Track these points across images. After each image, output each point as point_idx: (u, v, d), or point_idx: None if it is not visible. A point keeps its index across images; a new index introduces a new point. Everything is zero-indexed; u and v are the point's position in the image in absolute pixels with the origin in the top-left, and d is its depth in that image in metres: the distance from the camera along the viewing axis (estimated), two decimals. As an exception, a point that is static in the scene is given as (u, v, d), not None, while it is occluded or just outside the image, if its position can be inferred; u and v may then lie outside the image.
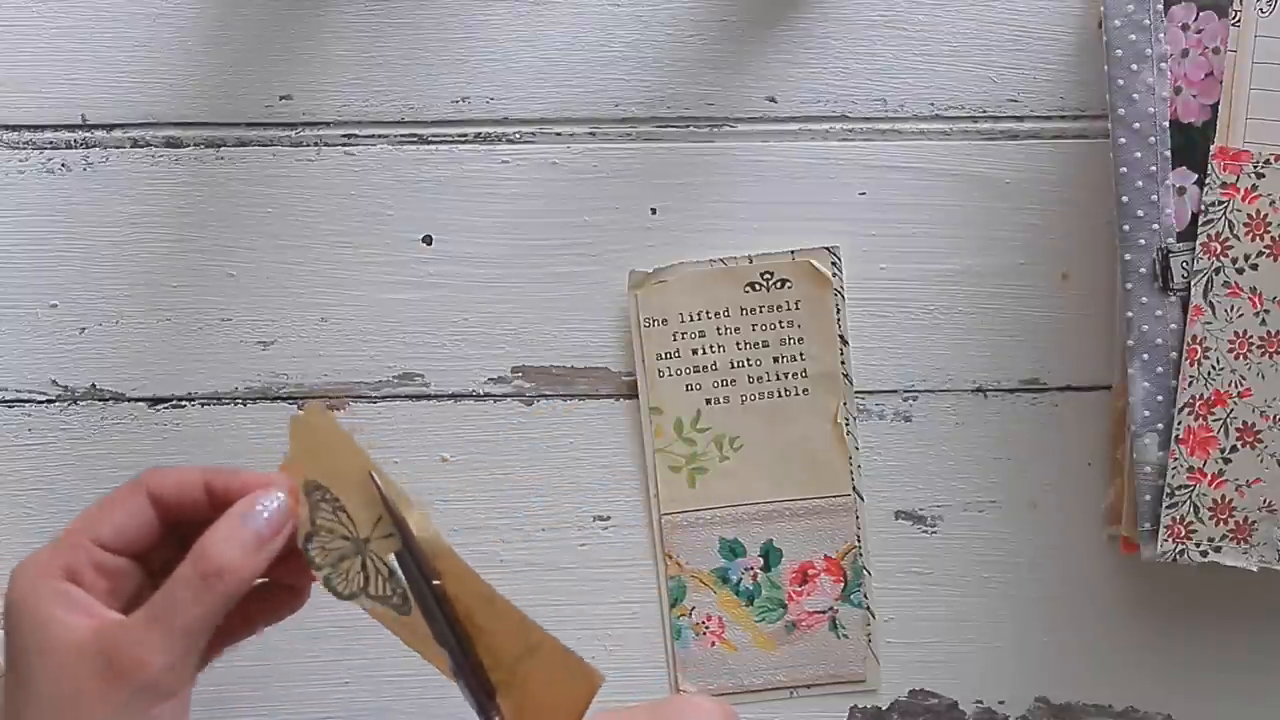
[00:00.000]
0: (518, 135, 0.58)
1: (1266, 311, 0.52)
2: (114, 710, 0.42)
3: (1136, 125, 0.53)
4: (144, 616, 0.43)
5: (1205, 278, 0.53)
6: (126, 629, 0.43)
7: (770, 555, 0.58)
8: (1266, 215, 0.52)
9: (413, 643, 0.47)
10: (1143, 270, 0.53)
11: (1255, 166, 0.52)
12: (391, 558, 0.46)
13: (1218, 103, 0.53)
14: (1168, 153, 0.53)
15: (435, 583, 0.46)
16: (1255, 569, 0.53)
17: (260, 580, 0.46)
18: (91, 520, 0.46)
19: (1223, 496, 0.53)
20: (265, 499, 0.45)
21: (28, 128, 0.58)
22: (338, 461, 0.47)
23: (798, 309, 0.57)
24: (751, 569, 0.58)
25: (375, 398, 0.58)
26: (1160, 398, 0.53)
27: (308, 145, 0.58)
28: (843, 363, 0.57)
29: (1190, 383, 0.53)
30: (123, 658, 0.42)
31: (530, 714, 0.47)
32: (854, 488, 0.58)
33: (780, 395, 0.57)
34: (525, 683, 0.47)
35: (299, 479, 0.47)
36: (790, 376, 0.57)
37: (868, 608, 0.58)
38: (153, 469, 0.47)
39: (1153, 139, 0.53)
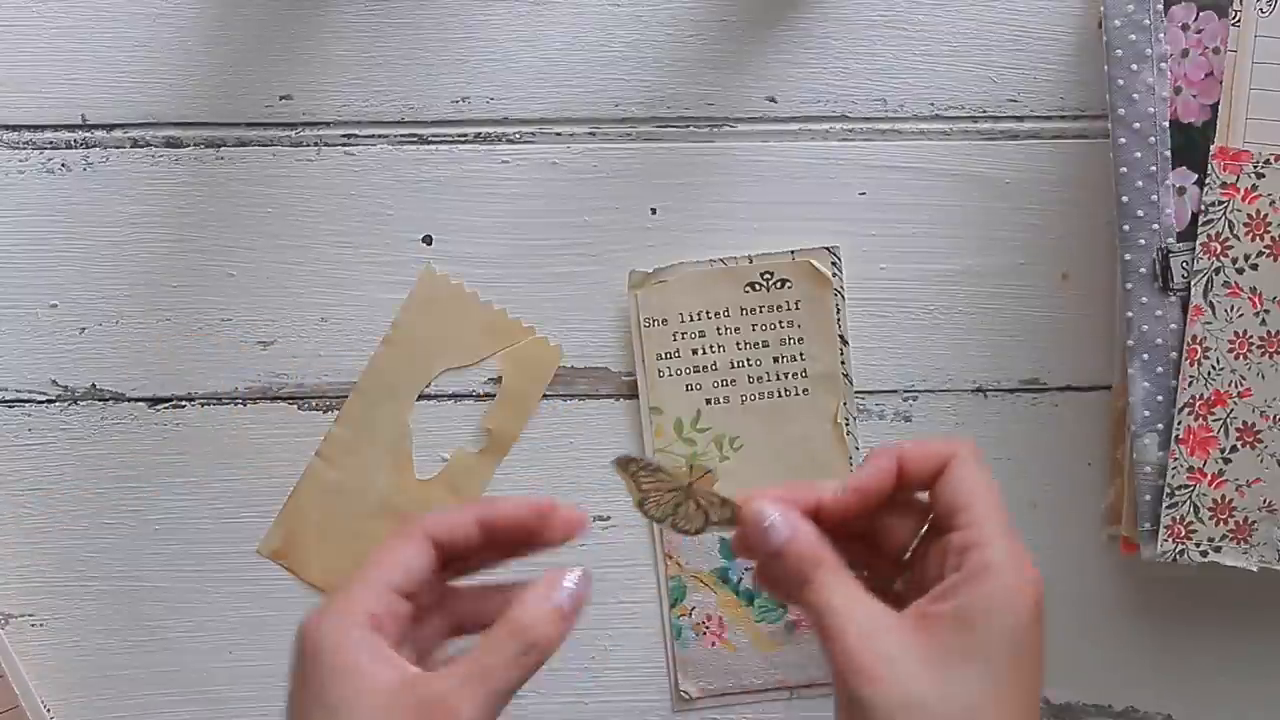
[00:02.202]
0: (518, 135, 0.58)
1: (1266, 311, 0.52)
2: None
3: (1136, 125, 0.53)
4: (461, 676, 0.44)
5: (1205, 278, 0.53)
6: (443, 685, 0.44)
7: (770, 555, 0.58)
8: (1266, 215, 0.52)
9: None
10: (1143, 270, 0.53)
11: (1255, 166, 0.52)
12: (712, 493, 0.52)
13: (1218, 103, 0.53)
14: (1168, 153, 0.53)
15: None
16: (1255, 569, 0.53)
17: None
18: (386, 566, 0.46)
19: (1223, 496, 0.53)
20: (570, 576, 0.47)
21: (28, 128, 0.58)
22: None
23: (798, 309, 0.57)
24: (751, 569, 0.58)
25: (375, 398, 0.58)
26: (1160, 398, 0.53)
27: (308, 145, 0.58)
28: (843, 363, 0.57)
29: (1190, 383, 0.53)
30: (439, 712, 0.43)
31: None
32: (854, 488, 0.58)
33: (780, 395, 0.57)
34: None
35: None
36: (790, 376, 0.57)
37: (868, 608, 0.58)
38: (422, 514, 0.48)
39: (1153, 139, 0.53)
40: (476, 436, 0.58)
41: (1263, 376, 0.53)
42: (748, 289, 0.57)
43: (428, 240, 0.58)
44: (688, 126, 0.58)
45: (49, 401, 0.58)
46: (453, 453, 0.58)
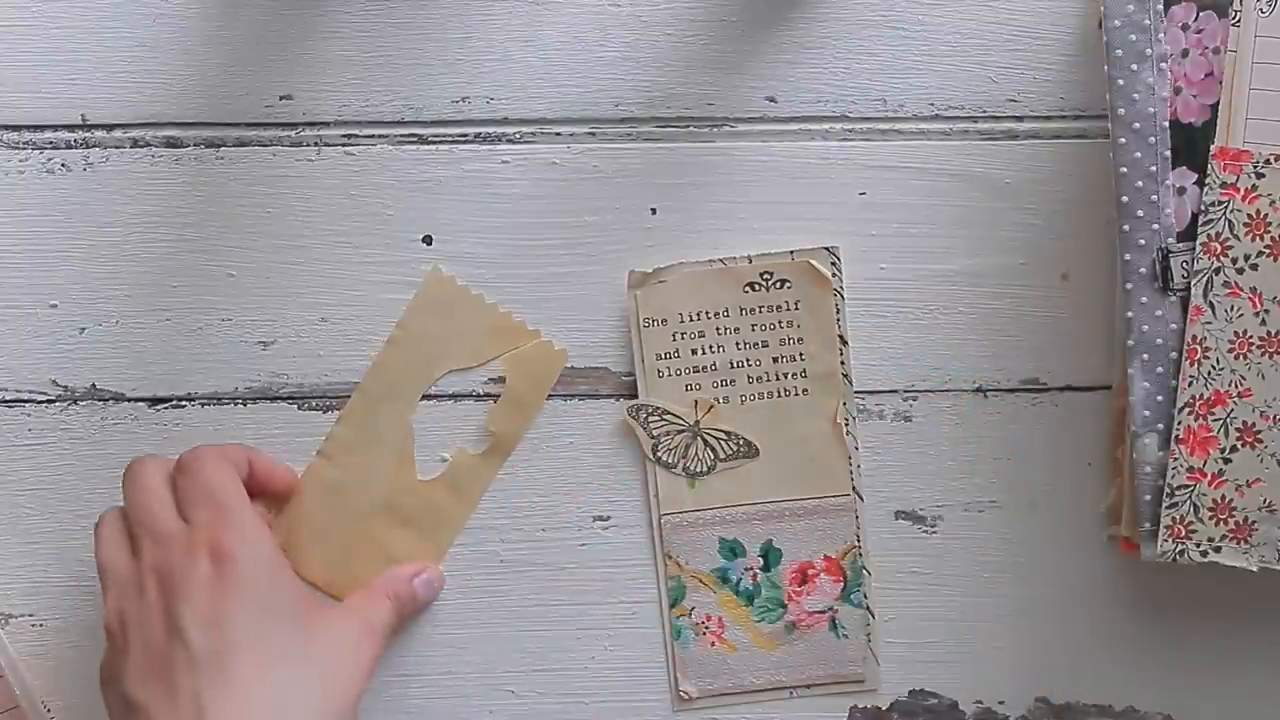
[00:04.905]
0: (518, 135, 0.58)
1: (1266, 311, 0.52)
2: None
3: (1136, 125, 0.53)
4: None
5: (1205, 278, 0.53)
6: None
7: (770, 555, 0.58)
8: (1266, 215, 0.52)
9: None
10: (1143, 270, 0.53)
11: (1255, 166, 0.52)
12: (718, 429, 0.57)
13: (1218, 103, 0.53)
14: (1168, 153, 0.53)
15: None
16: (1255, 569, 0.53)
17: None
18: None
19: (1223, 496, 0.53)
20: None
21: (28, 128, 0.58)
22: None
23: (797, 309, 0.57)
24: (751, 569, 0.58)
25: (375, 398, 0.58)
26: (1160, 398, 0.53)
27: (308, 145, 0.58)
28: (842, 363, 0.57)
29: (1190, 383, 0.53)
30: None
31: None
32: (854, 488, 0.58)
33: (780, 395, 0.57)
34: None
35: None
36: (790, 377, 0.57)
37: (868, 608, 0.58)
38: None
39: (1153, 139, 0.53)
40: (478, 436, 0.58)
41: (1263, 376, 0.53)
42: (747, 289, 0.57)
43: (428, 240, 0.58)
44: (688, 126, 0.58)
45: (49, 401, 0.58)
46: (454, 453, 0.58)
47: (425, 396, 0.58)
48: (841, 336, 0.57)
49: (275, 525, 0.57)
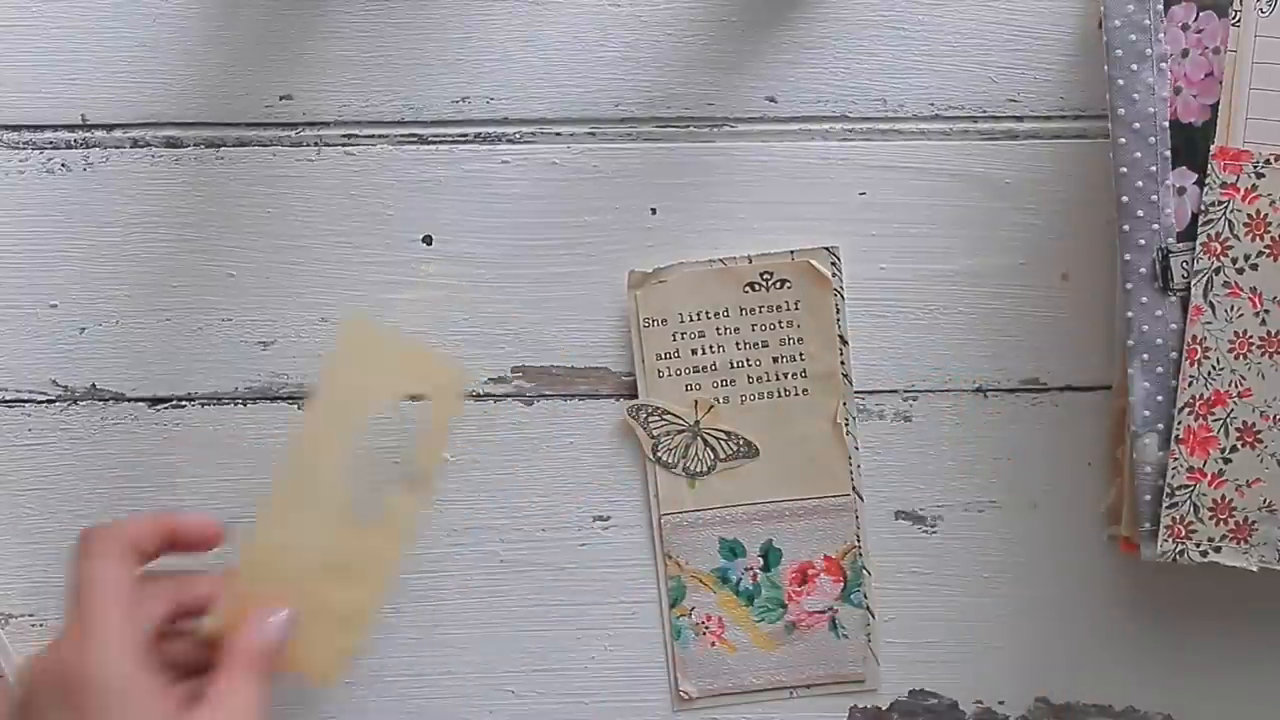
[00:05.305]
0: (518, 135, 0.58)
1: (1266, 311, 0.52)
2: None
3: (1136, 125, 0.53)
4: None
5: (1205, 278, 0.53)
6: None
7: (770, 555, 0.58)
8: (1266, 215, 0.52)
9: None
10: (1143, 270, 0.53)
11: (1255, 166, 0.52)
12: (718, 429, 0.57)
13: (1218, 103, 0.53)
14: (1168, 153, 0.53)
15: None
16: (1255, 569, 0.53)
17: None
18: (122, 587, 0.51)
19: (1223, 496, 0.53)
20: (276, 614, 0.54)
21: (28, 128, 0.58)
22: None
23: (797, 309, 0.57)
24: (751, 569, 0.58)
25: (375, 398, 0.58)
26: (1160, 398, 0.53)
27: (308, 145, 0.58)
28: (842, 363, 0.57)
29: (1190, 383, 0.53)
30: None
31: None
32: (854, 488, 0.58)
33: (780, 395, 0.57)
34: None
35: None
36: (790, 377, 0.57)
37: (868, 608, 0.58)
38: (114, 528, 0.52)
39: (1153, 139, 0.53)
40: (395, 469, 0.56)
41: (1263, 376, 0.53)
42: (747, 289, 0.57)
43: (428, 240, 0.58)
44: (688, 126, 0.58)
45: (49, 401, 0.58)
46: (386, 500, 0.55)
47: (424, 397, 0.58)
48: (841, 336, 0.57)
49: (223, 597, 0.53)
